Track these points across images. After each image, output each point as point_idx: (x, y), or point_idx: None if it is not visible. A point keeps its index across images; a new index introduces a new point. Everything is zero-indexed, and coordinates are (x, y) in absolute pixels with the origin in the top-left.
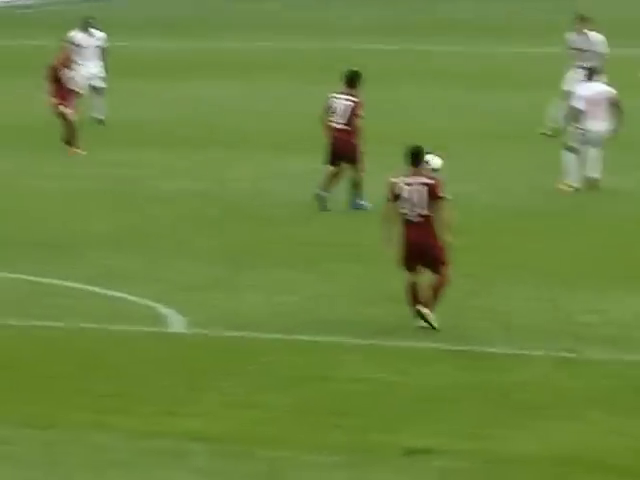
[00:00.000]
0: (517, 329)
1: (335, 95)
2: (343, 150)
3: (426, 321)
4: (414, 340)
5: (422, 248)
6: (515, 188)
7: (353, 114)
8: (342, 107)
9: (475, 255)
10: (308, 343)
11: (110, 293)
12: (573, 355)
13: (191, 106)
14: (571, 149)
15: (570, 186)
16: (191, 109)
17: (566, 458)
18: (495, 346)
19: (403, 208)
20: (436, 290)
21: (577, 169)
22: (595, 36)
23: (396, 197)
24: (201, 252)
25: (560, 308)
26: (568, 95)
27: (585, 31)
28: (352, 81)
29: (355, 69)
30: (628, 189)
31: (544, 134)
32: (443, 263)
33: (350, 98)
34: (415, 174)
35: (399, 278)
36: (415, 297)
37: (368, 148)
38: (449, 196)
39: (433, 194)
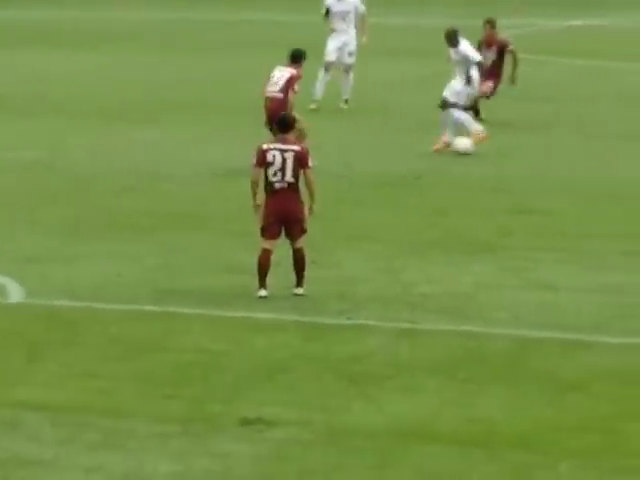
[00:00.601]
0: (357, 300)
1: (278, 67)
2: (274, 116)
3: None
4: (254, 311)
5: (287, 215)
6: (355, 158)
7: (287, 85)
8: (278, 78)
9: (315, 225)
10: (148, 313)
11: None
12: (413, 326)
13: (29, 75)
14: (469, 108)
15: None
16: (29, 78)
17: (405, 429)
18: (335, 317)
19: (270, 175)
20: (300, 266)
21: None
22: None
23: (264, 164)
24: (39, 223)
25: (400, 278)
26: (327, 65)
27: None
28: (293, 57)
29: (299, 47)
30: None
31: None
32: (304, 231)
33: (288, 70)
34: (284, 141)
35: (241, 249)
36: (265, 267)
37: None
38: (312, 164)
39: (301, 162)
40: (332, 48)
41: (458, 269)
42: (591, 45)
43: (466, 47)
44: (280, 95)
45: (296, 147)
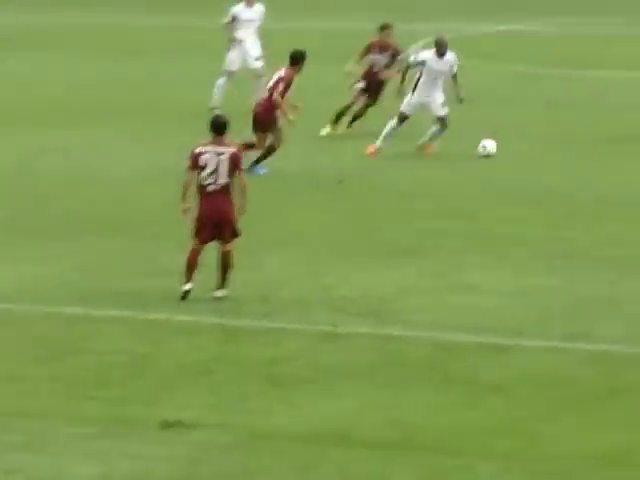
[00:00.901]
0: (279, 303)
1: (279, 71)
2: (260, 120)
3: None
4: (175, 313)
5: (219, 217)
6: (281, 161)
7: (272, 87)
8: (271, 81)
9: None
10: (69, 315)
11: None
12: (334, 329)
13: None
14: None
15: None
16: None
17: (325, 432)
18: (256, 320)
19: (204, 177)
20: (225, 269)
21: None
22: (260, 7)
23: (197, 167)
24: None
25: (322, 282)
26: (230, 74)
27: (252, 3)
28: (292, 59)
29: (299, 49)
30: (397, 158)
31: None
32: (236, 234)
33: (279, 73)
34: (219, 143)
35: (161, 251)
36: (193, 265)
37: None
38: (243, 166)
39: (235, 164)
40: (235, 56)
41: (380, 273)
42: (517, 51)
43: (452, 57)
44: (268, 99)
45: (231, 149)
